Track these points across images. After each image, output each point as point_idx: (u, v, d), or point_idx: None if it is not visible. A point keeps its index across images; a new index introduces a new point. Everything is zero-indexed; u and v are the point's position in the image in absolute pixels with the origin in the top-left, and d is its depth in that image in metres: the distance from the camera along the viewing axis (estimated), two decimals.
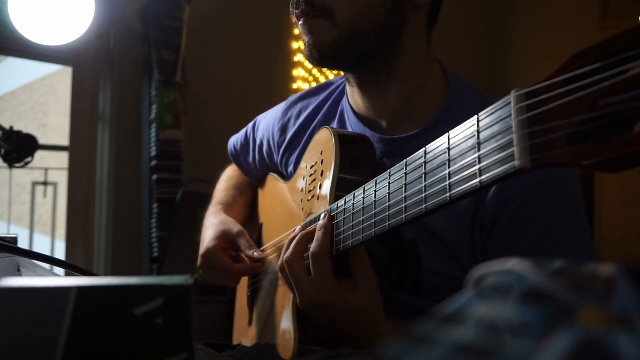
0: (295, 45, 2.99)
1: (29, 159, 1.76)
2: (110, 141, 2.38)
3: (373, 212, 0.64)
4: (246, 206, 1.16)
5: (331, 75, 2.94)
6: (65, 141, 2.51)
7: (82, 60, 2.34)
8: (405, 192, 0.58)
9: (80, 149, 2.37)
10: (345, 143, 0.80)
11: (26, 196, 5.69)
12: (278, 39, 2.95)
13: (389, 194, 0.61)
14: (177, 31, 2.36)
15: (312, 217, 0.79)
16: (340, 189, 0.77)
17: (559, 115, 0.38)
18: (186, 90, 2.41)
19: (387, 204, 0.61)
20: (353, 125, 0.89)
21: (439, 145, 0.54)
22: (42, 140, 1.85)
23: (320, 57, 0.81)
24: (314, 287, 0.71)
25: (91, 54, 2.33)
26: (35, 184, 4.74)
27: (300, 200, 0.90)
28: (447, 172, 0.51)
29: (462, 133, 0.50)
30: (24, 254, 0.67)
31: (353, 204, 0.69)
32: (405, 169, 0.59)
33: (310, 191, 0.86)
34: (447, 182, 0.51)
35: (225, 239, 0.98)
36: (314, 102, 0.98)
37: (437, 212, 0.54)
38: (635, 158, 0.35)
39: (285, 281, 0.78)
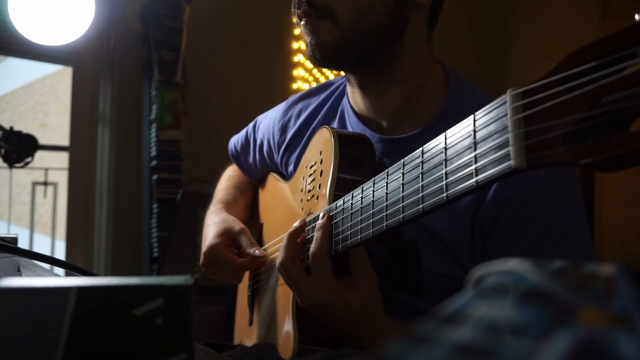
0: (295, 45, 2.99)
1: (29, 159, 1.76)
2: (110, 141, 2.38)
3: (371, 212, 0.64)
4: (247, 205, 1.16)
5: (331, 75, 2.94)
6: (65, 141, 2.52)
7: (82, 60, 2.34)
8: (403, 191, 0.58)
9: (80, 149, 2.37)
10: (345, 143, 0.80)
11: (26, 196, 5.69)
12: (278, 39, 2.95)
13: (386, 193, 0.61)
14: (177, 31, 2.36)
15: (311, 216, 0.79)
16: (340, 188, 0.77)
17: (555, 114, 0.38)
18: (186, 90, 2.41)
19: (384, 204, 0.61)
20: (353, 125, 0.89)
21: (435, 144, 0.54)
22: (42, 140, 1.85)
23: (322, 58, 0.81)
24: (314, 287, 0.71)
25: (91, 54, 2.33)
26: (35, 184, 4.74)
27: (300, 200, 0.90)
28: (443, 171, 0.51)
29: (459, 132, 0.50)
30: (24, 254, 0.67)
31: (351, 203, 0.69)
32: (403, 169, 0.59)
33: (309, 191, 0.86)
34: (444, 182, 0.51)
35: (227, 236, 0.98)
36: (314, 102, 0.98)
37: (436, 212, 0.54)
38: (632, 157, 0.35)
39: (285, 282, 0.78)
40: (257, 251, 0.93)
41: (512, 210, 0.74)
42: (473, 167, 0.47)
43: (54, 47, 1.87)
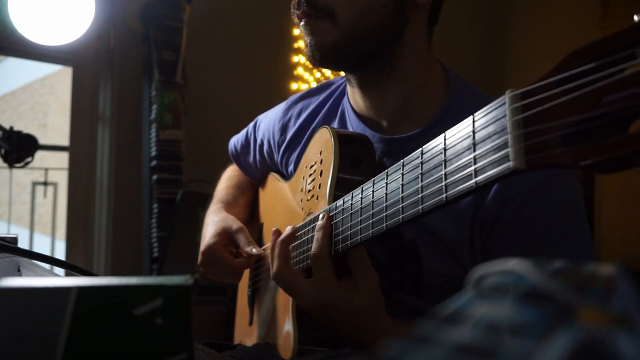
0: (295, 45, 2.99)
1: (29, 159, 1.76)
2: (110, 141, 2.38)
3: (370, 212, 0.64)
4: (247, 205, 1.16)
5: (331, 75, 2.94)
6: (65, 141, 2.52)
7: (82, 60, 2.35)
8: (402, 192, 0.58)
9: (80, 149, 2.37)
10: (345, 143, 0.80)
11: (26, 196, 5.69)
12: (278, 39, 2.95)
13: (386, 194, 0.61)
14: (177, 31, 2.36)
15: (311, 216, 0.79)
16: (340, 188, 0.77)
17: (555, 116, 0.38)
18: (186, 90, 2.42)
19: (384, 204, 0.61)
20: (354, 125, 0.89)
21: (435, 145, 0.54)
22: (42, 140, 1.85)
23: (321, 58, 0.81)
24: (315, 288, 0.71)
25: (91, 54, 2.33)
26: (35, 184, 4.74)
27: (300, 200, 0.90)
28: (443, 172, 0.51)
29: (458, 133, 0.50)
30: (24, 254, 0.68)
31: (351, 204, 0.69)
32: (402, 169, 0.59)
33: (309, 191, 0.86)
34: (443, 183, 0.51)
35: (225, 235, 0.98)
36: (315, 102, 0.98)
37: (436, 212, 0.54)
38: (631, 158, 0.35)
39: (283, 290, 0.78)
40: (254, 250, 0.93)
41: (512, 210, 0.74)
42: (472, 168, 0.47)
43: (54, 47, 1.87)
